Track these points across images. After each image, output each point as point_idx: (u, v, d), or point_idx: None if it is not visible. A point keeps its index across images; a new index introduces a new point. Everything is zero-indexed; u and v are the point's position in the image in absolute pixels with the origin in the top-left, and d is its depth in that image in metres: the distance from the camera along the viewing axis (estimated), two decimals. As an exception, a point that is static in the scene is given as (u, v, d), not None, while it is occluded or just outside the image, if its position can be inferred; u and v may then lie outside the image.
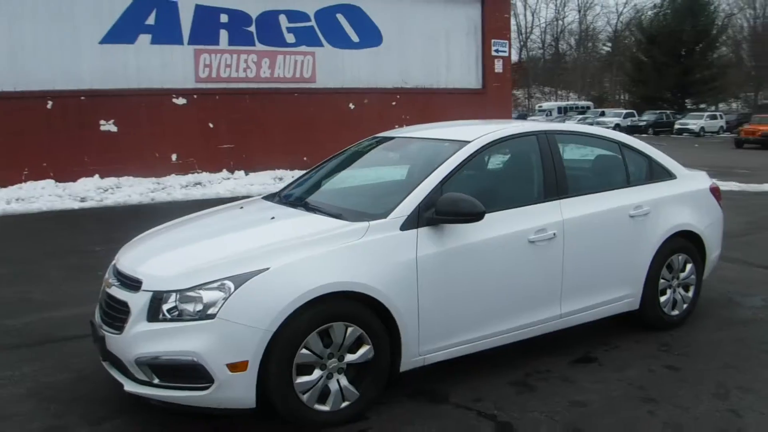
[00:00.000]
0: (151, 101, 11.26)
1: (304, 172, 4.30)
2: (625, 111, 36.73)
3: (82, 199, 9.38)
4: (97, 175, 10.66)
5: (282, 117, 12.49)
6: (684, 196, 3.98)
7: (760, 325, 4.08)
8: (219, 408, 2.60)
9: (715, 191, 4.25)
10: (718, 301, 4.50)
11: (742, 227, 6.89)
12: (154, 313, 2.61)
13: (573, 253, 3.36)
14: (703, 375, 3.28)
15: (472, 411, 2.89)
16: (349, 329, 2.70)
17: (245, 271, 2.58)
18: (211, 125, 11.98)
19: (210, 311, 2.54)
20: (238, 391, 2.53)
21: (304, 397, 2.64)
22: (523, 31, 56.51)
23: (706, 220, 4.08)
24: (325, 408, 2.70)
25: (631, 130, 29.47)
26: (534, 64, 57.37)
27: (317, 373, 2.67)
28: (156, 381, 2.60)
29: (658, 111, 35.96)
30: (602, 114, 36.38)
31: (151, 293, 2.63)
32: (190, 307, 2.57)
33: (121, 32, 10.97)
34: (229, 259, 2.69)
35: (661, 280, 3.83)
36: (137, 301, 2.66)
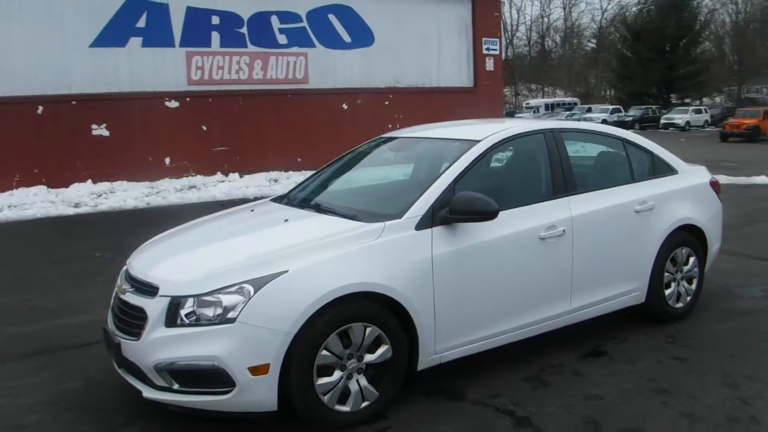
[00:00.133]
0: (144, 105, 11.16)
1: (307, 173, 4.31)
2: (611, 107, 37.06)
3: (76, 205, 9.28)
4: (89, 181, 10.55)
5: (275, 118, 12.45)
6: (686, 191, 4.05)
7: (760, 316, 4.16)
8: (240, 412, 2.60)
9: (714, 185, 4.33)
10: (717, 293, 4.58)
11: (736, 220, 6.99)
12: (172, 318, 2.60)
13: (582, 248, 3.41)
14: (709, 365, 3.35)
15: (489, 407, 2.92)
16: (368, 329, 2.71)
17: (264, 275, 2.59)
18: (204, 128, 11.90)
19: (230, 315, 2.54)
20: (259, 394, 2.54)
21: (325, 399, 2.66)
22: (509, 28, 56.84)
23: (707, 214, 4.15)
24: (346, 408, 2.71)
25: (617, 125, 29.61)
26: (520, 62, 57.70)
27: (337, 374, 2.68)
28: (176, 387, 2.59)
29: (644, 106, 36.32)
30: (589, 110, 36.65)
31: (168, 298, 2.63)
32: (209, 312, 2.57)
33: (112, 35, 10.85)
34: (246, 263, 2.69)
35: (666, 274, 3.90)
36: (154, 307, 2.64)
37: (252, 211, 3.61)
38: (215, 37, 11.82)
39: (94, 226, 8.19)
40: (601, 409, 2.89)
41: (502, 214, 3.04)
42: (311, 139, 12.51)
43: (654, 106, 36.74)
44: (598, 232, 3.51)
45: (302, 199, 3.63)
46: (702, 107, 35.54)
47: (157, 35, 11.25)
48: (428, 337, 2.89)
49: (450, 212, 2.93)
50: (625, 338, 3.73)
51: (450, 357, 3.03)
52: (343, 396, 2.71)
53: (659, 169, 4.04)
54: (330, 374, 2.66)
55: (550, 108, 41.34)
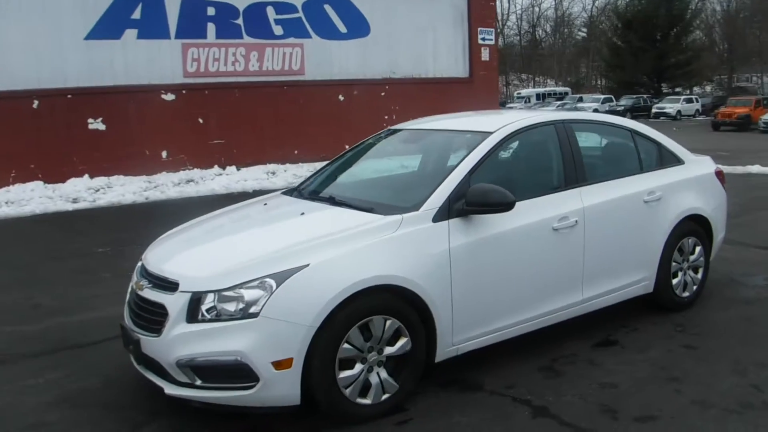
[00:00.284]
0: (140, 98, 11.04)
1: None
2: (603, 96, 37.14)
3: (75, 200, 9.20)
4: (86, 175, 10.45)
5: (272, 110, 12.37)
6: (692, 181, 4.10)
7: (765, 303, 4.23)
8: (263, 407, 2.61)
9: (719, 175, 4.38)
10: (721, 281, 4.64)
11: (735, 209, 7.03)
12: (193, 314, 2.60)
13: (593, 239, 3.44)
14: (718, 353, 3.40)
15: (506, 397, 2.96)
16: (388, 322, 2.73)
17: (286, 269, 2.59)
18: (200, 121, 11.82)
19: (252, 310, 2.54)
20: (283, 388, 2.55)
21: (347, 392, 2.67)
22: (500, 18, 56.67)
23: (713, 203, 4.20)
24: (367, 401, 2.73)
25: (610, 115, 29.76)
26: (511, 51, 57.64)
27: (358, 367, 2.70)
28: (198, 383, 2.59)
29: (635, 96, 36.45)
30: (580, 99, 36.72)
31: (189, 294, 2.62)
32: (230, 307, 2.57)
33: (107, 28, 10.71)
34: (267, 257, 2.69)
35: (673, 263, 3.95)
36: (175, 303, 2.64)
37: (265, 204, 3.61)
38: (211, 28, 11.70)
39: (93, 221, 8.13)
40: (616, 397, 2.93)
41: (517, 206, 3.06)
42: (308, 130, 12.45)
43: (645, 96, 36.89)
44: (608, 222, 3.54)
45: (314, 192, 3.63)
46: (693, 96, 35.72)
47: (153, 27, 11.11)
48: (446, 329, 2.92)
49: (466, 204, 2.94)
50: (635, 327, 3.78)
51: (466, 348, 3.06)
52: (364, 389, 2.73)
53: (666, 159, 4.08)
54: (351, 367, 2.68)
55: (542, 98, 41.38)
